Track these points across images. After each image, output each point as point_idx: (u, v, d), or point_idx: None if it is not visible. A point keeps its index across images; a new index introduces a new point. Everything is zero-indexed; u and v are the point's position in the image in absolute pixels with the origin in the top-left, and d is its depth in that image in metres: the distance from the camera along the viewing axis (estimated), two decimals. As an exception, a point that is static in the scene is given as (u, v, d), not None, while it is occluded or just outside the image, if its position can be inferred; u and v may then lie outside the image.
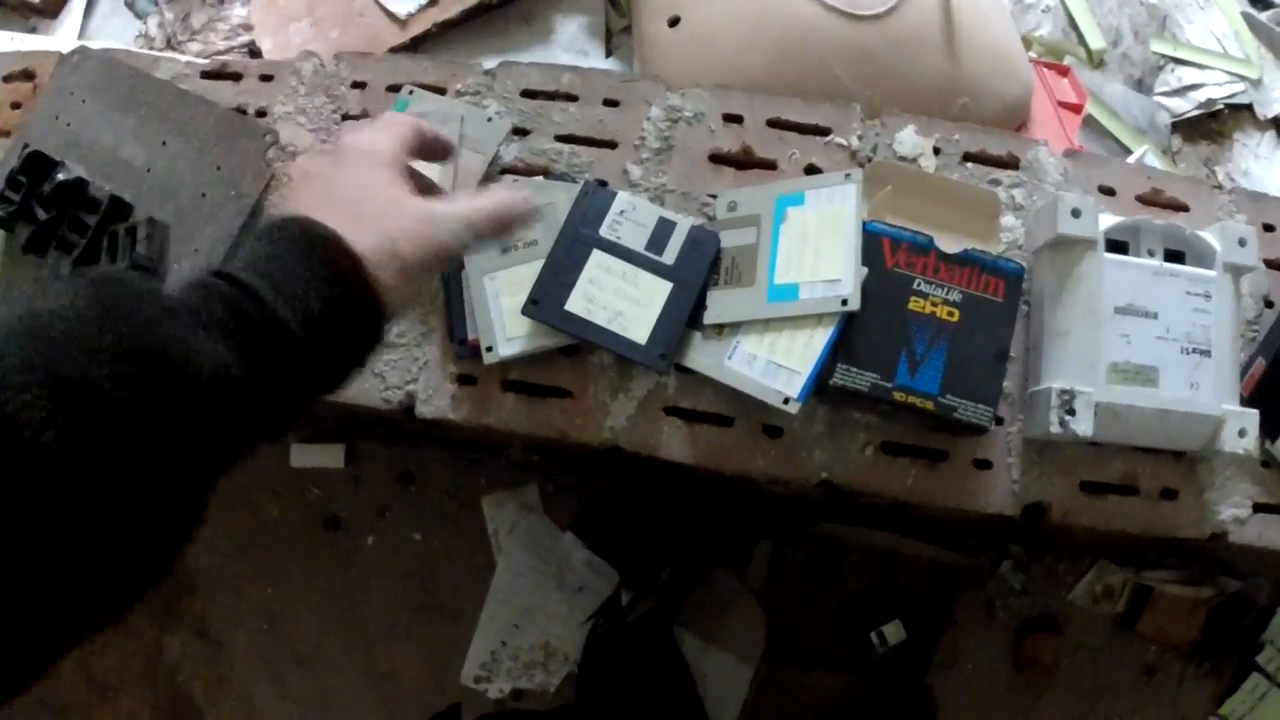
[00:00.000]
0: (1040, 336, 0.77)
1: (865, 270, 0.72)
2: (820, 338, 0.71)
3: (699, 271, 0.76)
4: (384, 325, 0.53)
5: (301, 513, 1.35)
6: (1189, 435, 0.76)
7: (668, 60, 1.05)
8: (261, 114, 0.90)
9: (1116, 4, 1.46)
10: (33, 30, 1.36)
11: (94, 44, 1.16)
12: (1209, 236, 0.77)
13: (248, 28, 1.34)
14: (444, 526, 1.34)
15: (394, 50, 1.22)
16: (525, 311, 0.74)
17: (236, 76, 0.93)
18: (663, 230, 0.77)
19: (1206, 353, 0.75)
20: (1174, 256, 0.78)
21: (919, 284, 0.72)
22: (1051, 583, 1.33)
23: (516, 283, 0.78)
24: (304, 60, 0.92)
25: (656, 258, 0.76)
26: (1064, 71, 1.31)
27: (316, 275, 0.49)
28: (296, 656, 1.34)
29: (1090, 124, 1.35)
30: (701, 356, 0.76)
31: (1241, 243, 0.77)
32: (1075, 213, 0.74)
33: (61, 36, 1.33)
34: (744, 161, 0.82)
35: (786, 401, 0.71)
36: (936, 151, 0.82)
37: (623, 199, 0.77)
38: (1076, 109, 1.28)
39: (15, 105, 0.98)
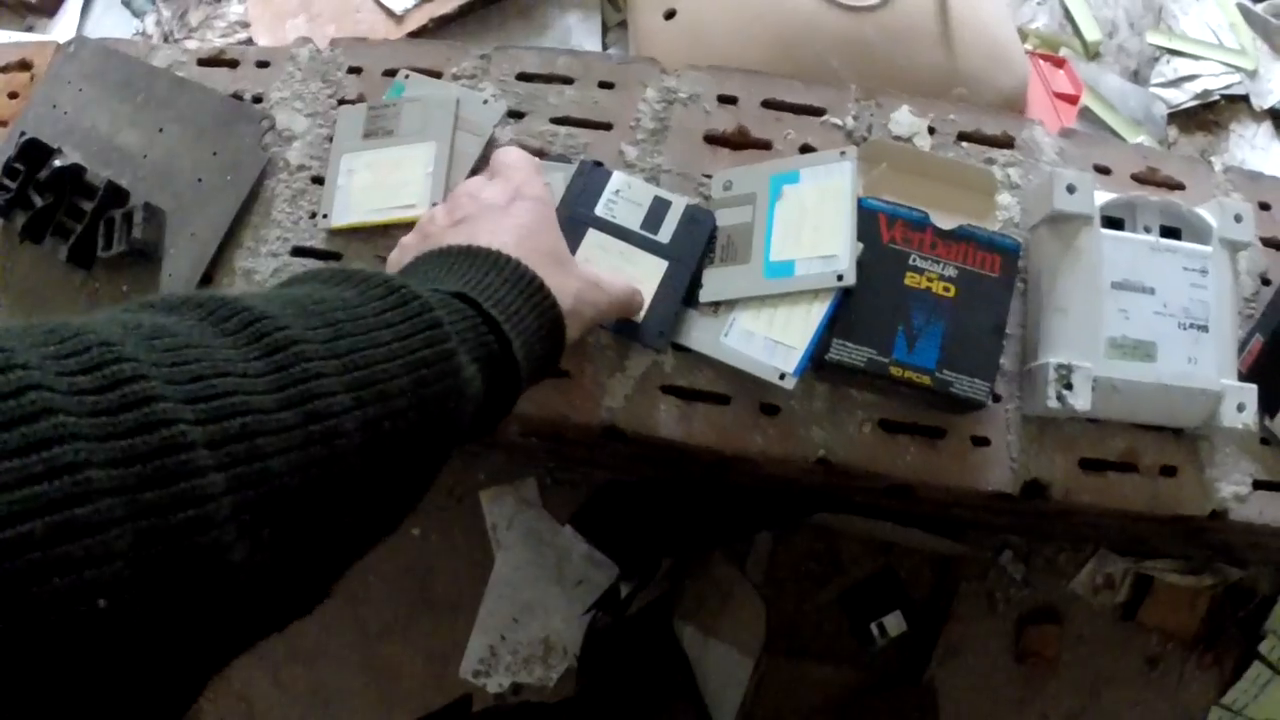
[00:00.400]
0: (1037, 313, 0.77)
1: (861, 246, 0.72)
2: (816, 313, 0.71)
3: (695, 250, 0.76)
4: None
5: (300, 508, 1.35)
6: (1188, 410, 0.76)
7: (663, 53, 1.05)
8: (258, 100, 0.90)
9: (1112, -4, 1.47)
10: (30, 29, 1.37)
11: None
12: (1205, 213, 0.77)
13: (245, 24, 1.34)
14: (442, 521, 1.34)
15: (391, 42, 1.22)
16: None
17: (233, 64, 0.93)
18: (658, 209, 0.77)
19: (1204, 328, 0.75)
20: (1170, 233, 0.78)
21: (915, 259, 0.72)
22: (1052, 574, 1.33)
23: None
24: (300, 46, 0.92)
25: (652, 236, 0.76)
26: (1060, 63, 1.32)
27: (542, 326, 0.54)
28: (295, 653, 1.33)
29: (1086, 115, 1.35)
30: (698, 334, 0.76)
31: (1238, 218, 0.77)
32: (1071, 189, 0.74)
33: (58, 35, 1.33)
34: (739, 142, 0.82)
35: (783, 377, 0.70)
36: (931, 131, 0.82)
37: (618, 178, 0.77)
38: (1073, 100, 1.29)
39: (13, 95, 0.98)
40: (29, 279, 0.90)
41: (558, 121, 0.84)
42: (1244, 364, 0.79)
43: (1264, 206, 0.84)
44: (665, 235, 0.76)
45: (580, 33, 1.32)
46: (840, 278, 0.71)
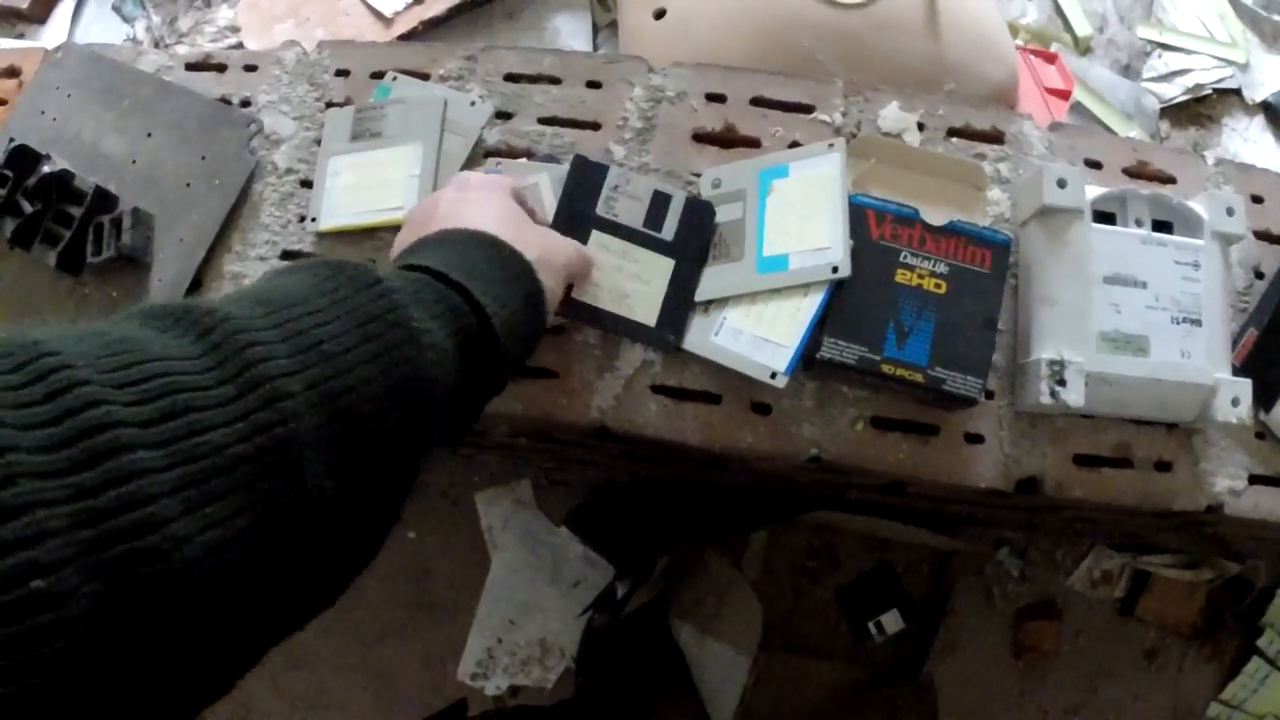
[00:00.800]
0: (1029, 308, 0.76)
1: (851, 242, 0.71)
2: (807, 309, 0.71)
3: (700, 245, 0.75)
4: (546, 323, 0.59)
5: (295, 512, 1.35)
6: (1181, 404, 0.75)
7: (653, 52, 1.05)
8: (246, 104, 0.90)
9: (1101, -11, 1.46)
10: (20, 36, 1.37)
11: (80, 45, 1.16)
12: (1197, 206, 0.77)
13: (234, 29, 1.34)
14: (438, 524, 1.34)
15: (379, 45, 1.22)
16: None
17: (220, 68, 0.93)
18: (659, 204, 0.76)
19: (1197, 321, 0.75)
20: (1162, 226, 0.77)
21: (905, 256, 0.72)
22: (1050, 569, 1.32)
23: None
24: (286, 49, 0.91)
25: (656, 234, 0.75)
26: (1051, 58, 1.31)
27: (509, 277, 0.54)
28: (292, 657, 1.33)
29: (1078, 110, 1.35)
30: (688, 333, 0.75)
31: (1229, 211, 0.76)
32: (1061, 183, 0.74)
33: (48, 42, 1.33)
34: (727, 140, 0.82)
35: (774, 375, 0.70)
36: (921, 127, 0.82)
37: (615, 173, 0.76)
38: (1064, 95, 1.28)
39: (1, 102, 0.98)
40: (18, 286, 0.90)
41: (545, 121, 0.84)
42: (1238, 357, 0.79)
43: (1256, 199, 0.84)
44: (669, 232, 0.75)
45: (569, 34, 1.32)
46: (835, 269, 0.71)
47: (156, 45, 1.33)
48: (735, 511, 1.21)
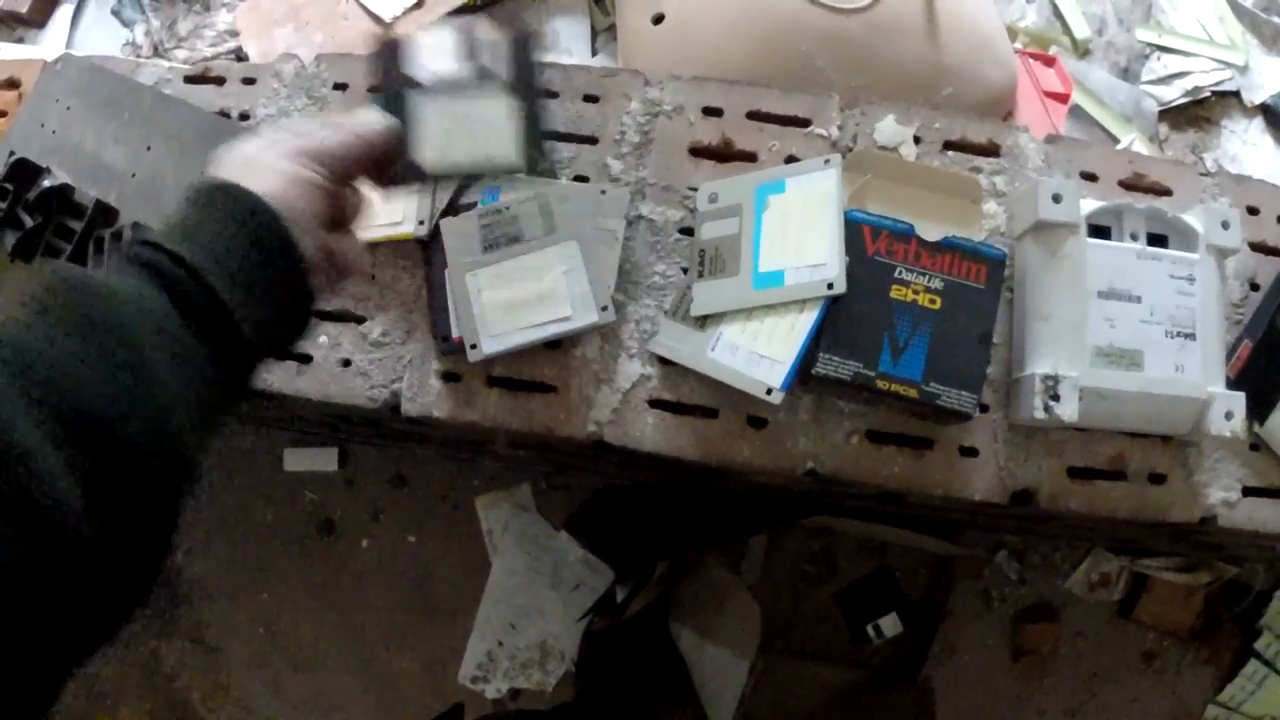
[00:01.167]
0: (1023, 322, 0.77)
1: (847, 258, 0.72)
2: (803, 325, 0.71)
3: (530, 71, 0.70)
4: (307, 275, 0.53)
5: (296, 517, 1.35)
6: (1176, 418, 0.76)
7: (651, 56, 1.05)
8: (245, 117, 0.90)
9: (1100, -8, 1.46)
10: (19, 40, 1.37)
11: (80, 53, 1.16)
12: (1192, 219, 0.77)
13: (234, 33, 1.34)
14: (438, 528, 1.34)
15: (378, 53, 1.22)
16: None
17: (219, 80, 0.93)
18: (475, 47, 0.70)
19: (1191, 335, 0.75)
20: (1157, 240, 0.77)
21: (900, 271, 0.72)
22: (1048, 572, 1.33)
23: (498, 278, 0.78)
24: (285, 62, 0.92)
25: (485, 77, 0.70)
26: (1050, 61, 1.31)
27: (218, 216, 0.50)
28: (294, 661, 1.34)
29: (1077, 113, 1.35)
30: (684, 348, 0.76)
31: (1225, 225, 0.76)
32: (1056, 198, 0.74)
33: (48, 46, 1.33)
34: (724, 153, 0.82)
35: (769, 392, 0.71)
36: (917, 140, 0.82)
37: (424, 38, 0.70)
38: (1063, 99, 1.28)
39: (0, 114, 0.98)
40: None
41: (542, 135, 0.84)
42: (1232, 369, 0.79)
43: (1252, 210, 0.84)
44: (497, 69, 0.70)
45: (568, 38, 1.32)
46: (830, 285, 0.71)
47: (156, 49, 1.33)
48: (734, 517, 1.22)
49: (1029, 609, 1.33)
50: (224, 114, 0.91)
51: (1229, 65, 1.41)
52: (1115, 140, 1.36)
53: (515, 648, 1.31)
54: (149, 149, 0.91)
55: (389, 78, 0.69)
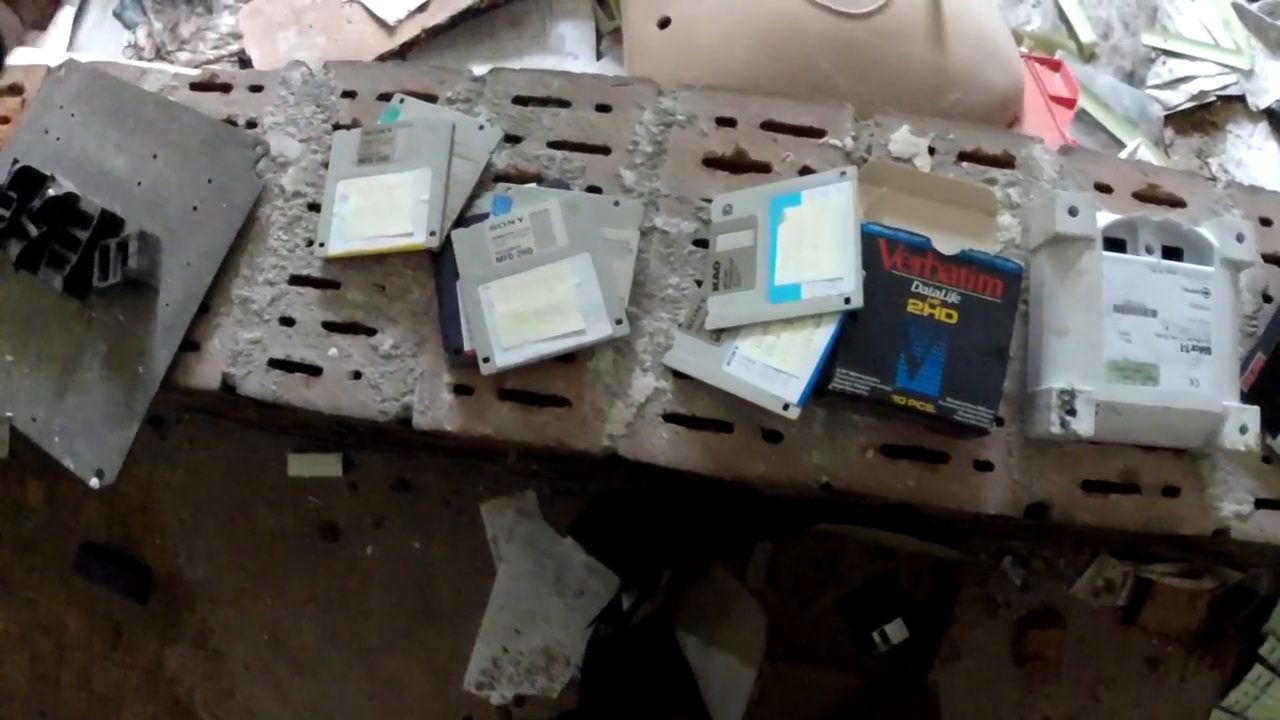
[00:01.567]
0: (1039, 336, 0.76)
1: (864, 271, 0.71)
2: (819, 340, 0.71)
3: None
4: None
5: (300, 522, 1.35)
6: (1190, 432, 0.76)
7: (657, 61, 1.05)
8: (252, 125, 0.90)
9: (1105, -4, 1.46)
10: (21, 44, 1.35)
11: (83, 55, 1.15)
12: (1206, 232, 0.77)
13: (236, 36, 1.33)
14: (443, 533, 1.34)
15: (382, 57, 1.22)
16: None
17: (225, 87, 0.92)
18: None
19: (1206, 349, 0.75)
20: (1172, 253, 0.77)
21: (917, 285, 0.72)
22: (1052, 577, 1.33)
23: (511, 290, 0.77)
24: (292, 70, 0.91)
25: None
26: (1056, 66, 1.31)
27: None
28: (297, 666, 1.33)
29: (1082, 117, 1.35)
30: (699, 362, 0.75)
31: (1239, 238, 0.76)
32: (1073, 211, 0.74)
33: (50, 47, 1.32)
34: (738, 164, 0.82)
35: (786, 407, 0.70)
36: (931, 151, 0.82)
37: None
38: (1069, 103, 1.28)
39: (3, 120, 0.97)
40: (23, 308, 0.89)
41: (554, 145, 0.84)
42: (1245, 382, 0.79)
43: (1265, 222, 0.84)
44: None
45: (573, 41, 1.31)
46: (847, 300, 0.71)
47: (158, 52, 1.32)
48: (740, 524, 1.22)
49: (1033, 614, 1.32)
50: (230, 122, 0.90)
51: (1234, 70, 1.41)
52: (1120, 144, 1.36)
53: (520, 653, 1.31)
54: (154, 157, 0.90)
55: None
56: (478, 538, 1.33)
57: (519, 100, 0.86)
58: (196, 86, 0.93)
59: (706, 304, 0.76)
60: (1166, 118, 1.40)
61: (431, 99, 0.86)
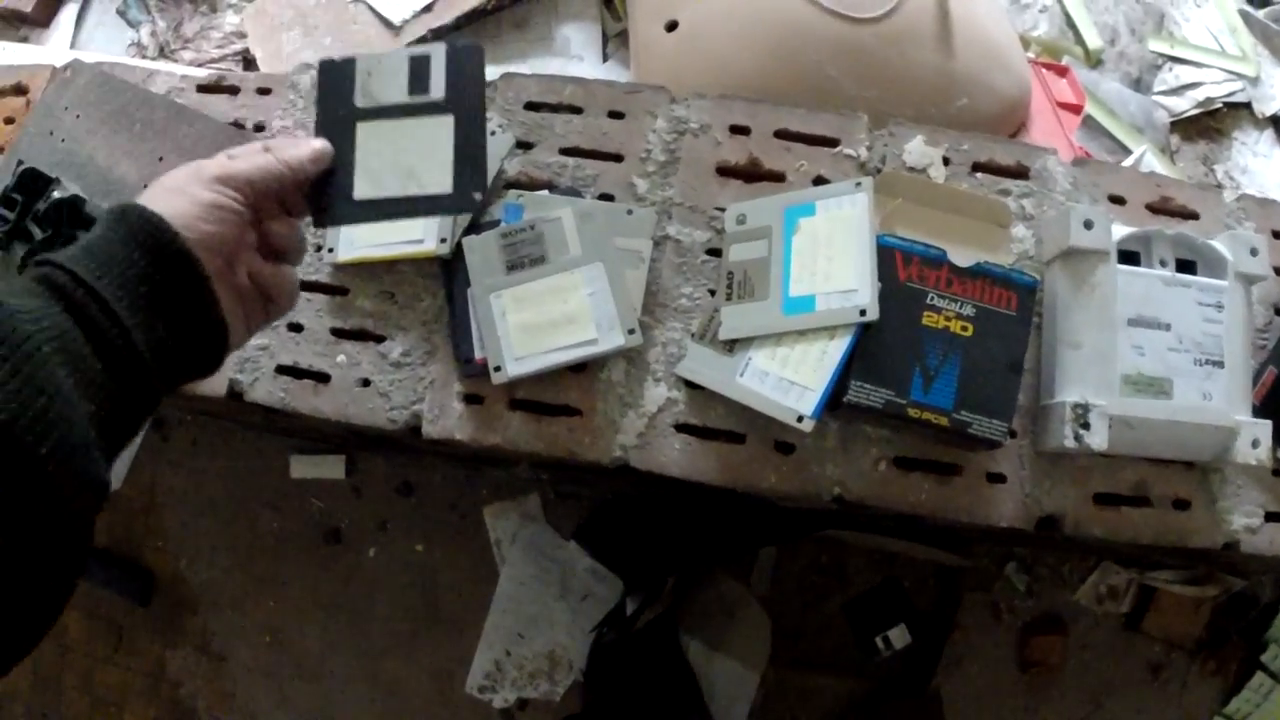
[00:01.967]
0: (1052, 348, 0.76)
1: (879, 284, 0.71)
2: (834, 352, 0.70)
3: (475, 91, 0.65)
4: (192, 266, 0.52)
5: (302, 525, 1.34)
6: (1202, 446, 0.75)
7: (663, 64, 1.04)
8: (260, 128, 0.89)
9: (1112, 2, 1.46)
10: (24, 39, 1.35)
11: (86, 53, 1.14)
12: (1220, 246, 0.77)
13: (240, 35, 1.32)
14: (446, 537, 1.33)
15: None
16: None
17: (233, 90, 0.92)
18: (419, 67, 0.66)
19: (1219, 363, 0.75)
20: (1185, 266, 0.77)
21: (932, 298, 0.72)
22: (1056, 584, 1.33)
23: (523, 299, 0.77)
24: (301, 73, 0.90)
25: (424, 98, 0.65)
26: (1063, 71, 1.31)
27: (134, 248, 0.50)
28: (299, 670, 1.33)
29: (1088, 123, 1.35)
30: (712, 373, 0.75)
31: (1253, 252, 0.76)
32: (1088, 224, 0.74)
33: (53, 46, 1.31)
34: (751, 173, 0.81)
35: (800, 419, 0.70)
36: (946, 162, 0.81)
37: (365, 60, 0.66)
38: (1076, 109, 1.28)
39: (8, 120, 0.96)
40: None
41: (566, 152, 0.83)
42: (1257, 396, 0.79)
43: (1278, 235, 0.84)
44: (438, 90, 0.65)
45: (579, 43, 1.30)
46: (863, 313, 0.70)
47: (162, 51, 1.31)
48: (745, 530, 1.22)
49: (1037, 621, 1.33)
50: (238, 125, 0.90)
51: (1240, 77, 1.41)
52: (1126, 150, 1.36)
53: (523, 657, 1.31)
54: (161, 160, 0.90)
55: (331, 96, 0.65)
56: (481, 541, 1.33)
57: (531, 106, 0.85)
58: (204, 89, 0.92)
59: (720, 314, 0.76)
60: (1172, 124, 1.40)
61: (442, 105, 0.86)
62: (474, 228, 0.81)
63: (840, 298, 0.71)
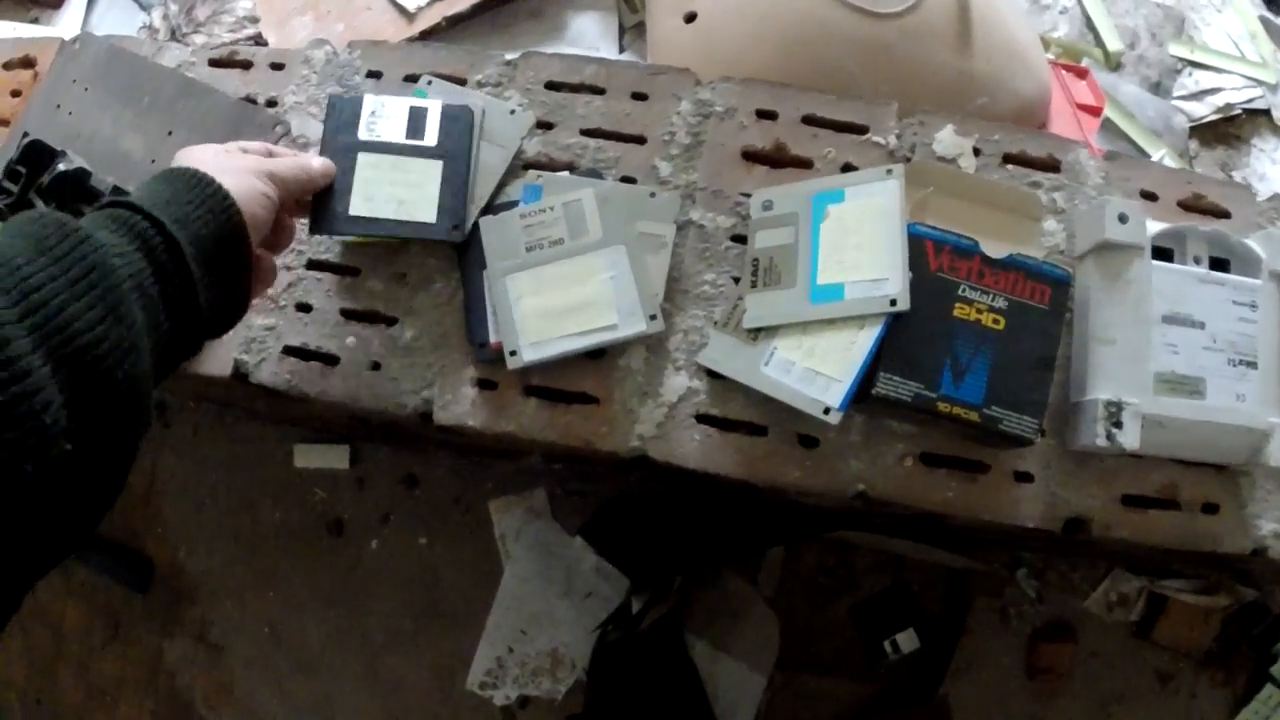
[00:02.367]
0: (1084, 344, 0.74)
1: (910, 273, 0.69)
2: (863, 342, 0.68)
3: (462, 142, 0.79)
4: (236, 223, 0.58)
5: (304, 516, 1.32)
6: (1234, 448, 0.74)
7: (681, 56, 1.02)
8: (272, 104, 0.87)
9: (1133, 5, 1.44)
10: (35, 21, 1.33)
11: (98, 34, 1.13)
12: (1255, 244, 0.75)
13: (253, 20, 1.30)
14: (450, 531, 1.31)
15: (402, 44, 1.19)
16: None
17: (246, 65, 0.90)
18: (417, 117, 0.79)
19: (1253, 363, 0.73)
20: (1219, 264, 0.76)
21: (964, 290, 0.70)
22: (1066, 590, 1.31)
23: (540, 282, 0.75)
24: (316, 48, 0.88)
25: (419, 143, 0.78)
26: (1082, 73, 1.29)
27: (191, 190, 0.56)
28: (299, 663, 1.31)
29: (1106, 126, 1.33)
30: (734, 362, 0.73)
31: (1289, 250, 0.75)
32: (1122, 218, 0.72)
33: (64, 28, 1.29)
34: (777, 159, 0.80)
35: (827, 411, 0.68)
36: (976, 152, 0.80)
37: (370, 100, 0.79)
38: (1095, 111, 1.26)
39: (15, 93, 0.95)
40: None
41: (588, 133, 0.81)
42: (1289, 398, 0.77)
43: (1310, 236, 0.82)
44: (431, 138, 0.78)
45: (595, 35, 1.28)
46: (893, 302, 0.68)
47: (173, 34, 1.30)
48: (753, 529, 1.20)
49: (1046, 627, 1.31)
50: (250, 100, 0.88)
51: (1260, 83, 1.40)
52: (1145, 155, 1.34)
53: (525, 655, 1.29)
54: (170, 135, 0.88)
55: (339, 127, 0.78)
56: (485, 536, 1.31)
57: (551, 86, 0.83)
58: (215, 63, 0.90)
59: (744, 302, 0.74)
60: (1191, 129, 1.38)
61: (461, 82, 0.84)
62: (490, 208, 0.79)
63: (869, 286, 0.69)
